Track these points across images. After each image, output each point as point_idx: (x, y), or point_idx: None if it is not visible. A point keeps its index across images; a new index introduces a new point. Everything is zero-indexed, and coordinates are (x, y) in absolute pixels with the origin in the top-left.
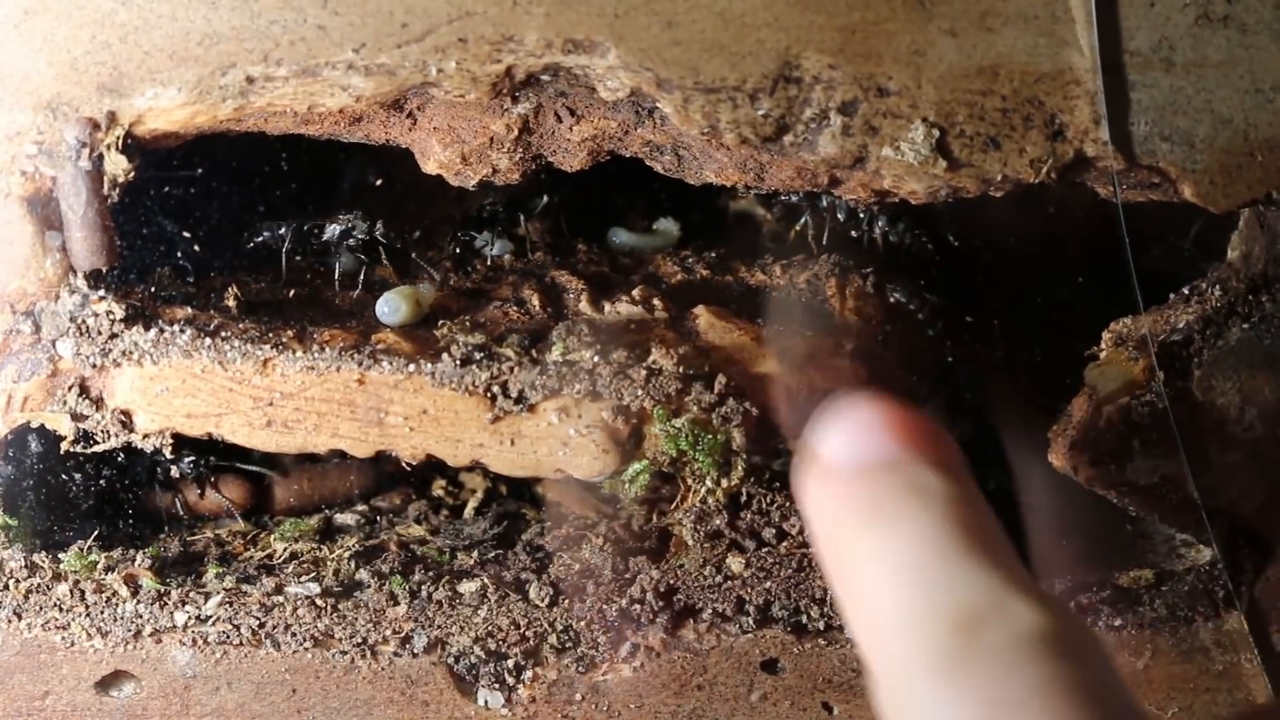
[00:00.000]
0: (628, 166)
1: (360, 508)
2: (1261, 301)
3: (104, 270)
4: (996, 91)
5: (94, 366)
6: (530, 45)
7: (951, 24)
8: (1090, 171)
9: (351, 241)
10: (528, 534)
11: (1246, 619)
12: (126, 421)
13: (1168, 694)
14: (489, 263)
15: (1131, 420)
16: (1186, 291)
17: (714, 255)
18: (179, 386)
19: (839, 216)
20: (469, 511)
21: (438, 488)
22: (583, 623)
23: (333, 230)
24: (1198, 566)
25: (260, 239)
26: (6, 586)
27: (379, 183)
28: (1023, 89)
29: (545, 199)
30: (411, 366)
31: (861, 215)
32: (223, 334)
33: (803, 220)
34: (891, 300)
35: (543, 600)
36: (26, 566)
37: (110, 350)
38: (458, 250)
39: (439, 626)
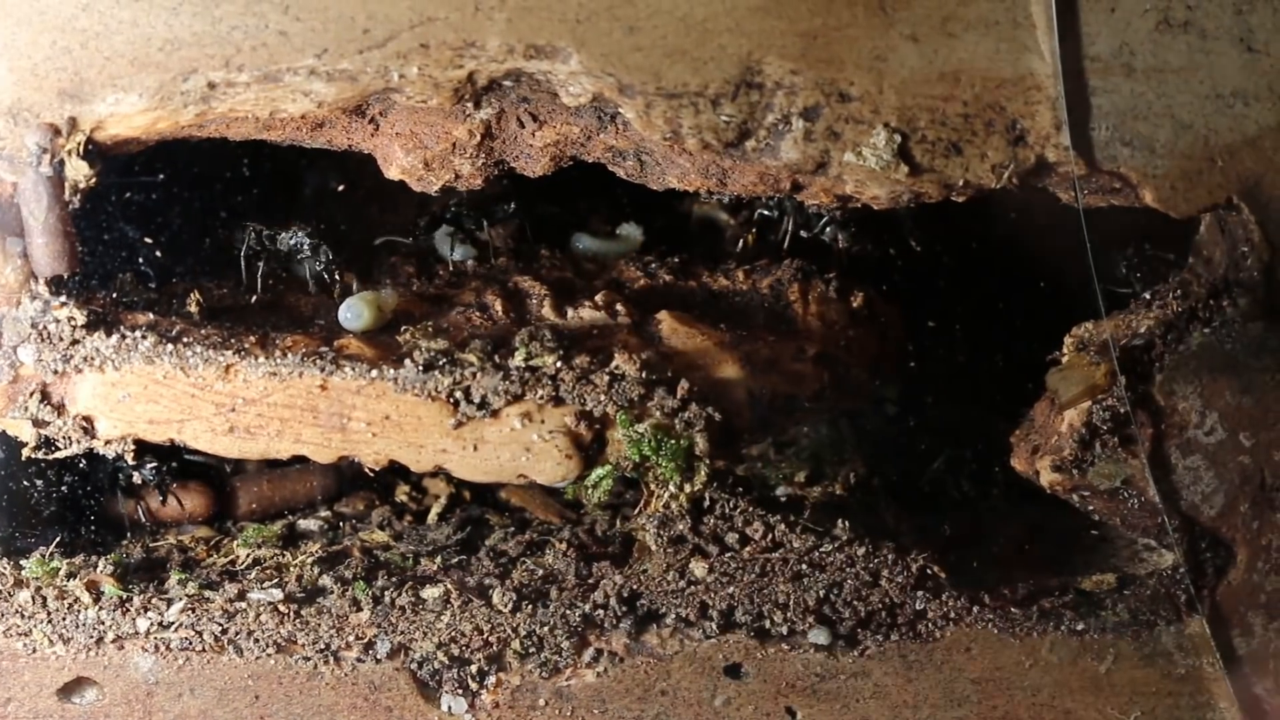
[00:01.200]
0: (591, 172)
1: (323, 513)
2: (1223, 306)
3: (65, 276)
4: (958, 97)
5: (55, 373)
6: (492, 51)
7: (913, 29)
8: (1052, 177)
9: (301, 255)
10: (491, 539)
11: (1208, 623)
12: (88, 428)
13: (1130, 698)
14: (452, 268)
15: (1093, 424)
16: (1148, 296)
17: (677, 260)
18: (141, 393)
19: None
20: (432, 517)
21: (401, 493)
22: (546, 628)
23: (285, 239)
24: (1159, 570)
25: (224, 245)
26: None
27: (341, 189)
28: (984, 94)
29: (510, 206)
30: (374, 372)
31: (824, 220)
32: (185, 340)
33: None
34: (854, 305)
35: (506, 606)
36: None
37: (72, 356)
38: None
39: (402, 632)
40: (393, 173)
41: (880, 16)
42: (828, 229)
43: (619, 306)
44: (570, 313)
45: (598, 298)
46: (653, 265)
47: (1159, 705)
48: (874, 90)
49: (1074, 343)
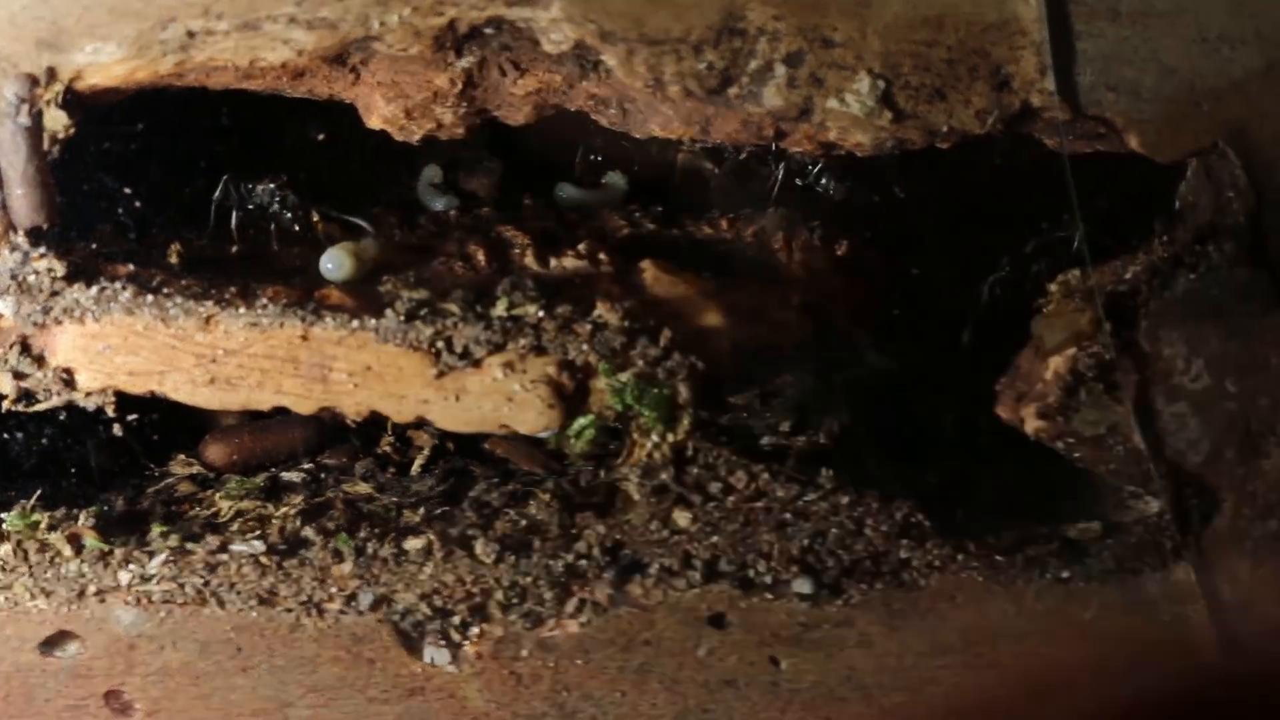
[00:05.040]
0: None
1: (307, 465)
2: (1208, 252)
3: (44, 227)
4: (942, 42)
5: (35, 324)
6: None
7: None
8: (1036, 122)
9: (274, 207)
10: (475, 491)
11: (1194, 570)
12: (68, 380)
13: (1114, 645)
14: (435, 218)
15: (1078, 371)
16: (1134, 242)
17: (661, 209)
18: (121, 344)
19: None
20: (416, 468)
21: (385, 445)
22: (529, 579)
23: (263, 191)
24: (1145, 518)
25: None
26: None
27: (321, 138)
28: (968, 40)
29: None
30: (355, 323)
31: (809, 168)
32: (165, 291)
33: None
34: (839, 253)
35: (489, 557)
36: None
37: (51, 308)
38: None
39: (384, 584)
40: (374, 122)
41: None
42: (821, 178)
43: (602, 255)
44: (553, 262)
45: (580, 247)
46: (636, 214)
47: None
48: (857, 36)
49: (1059, 289)
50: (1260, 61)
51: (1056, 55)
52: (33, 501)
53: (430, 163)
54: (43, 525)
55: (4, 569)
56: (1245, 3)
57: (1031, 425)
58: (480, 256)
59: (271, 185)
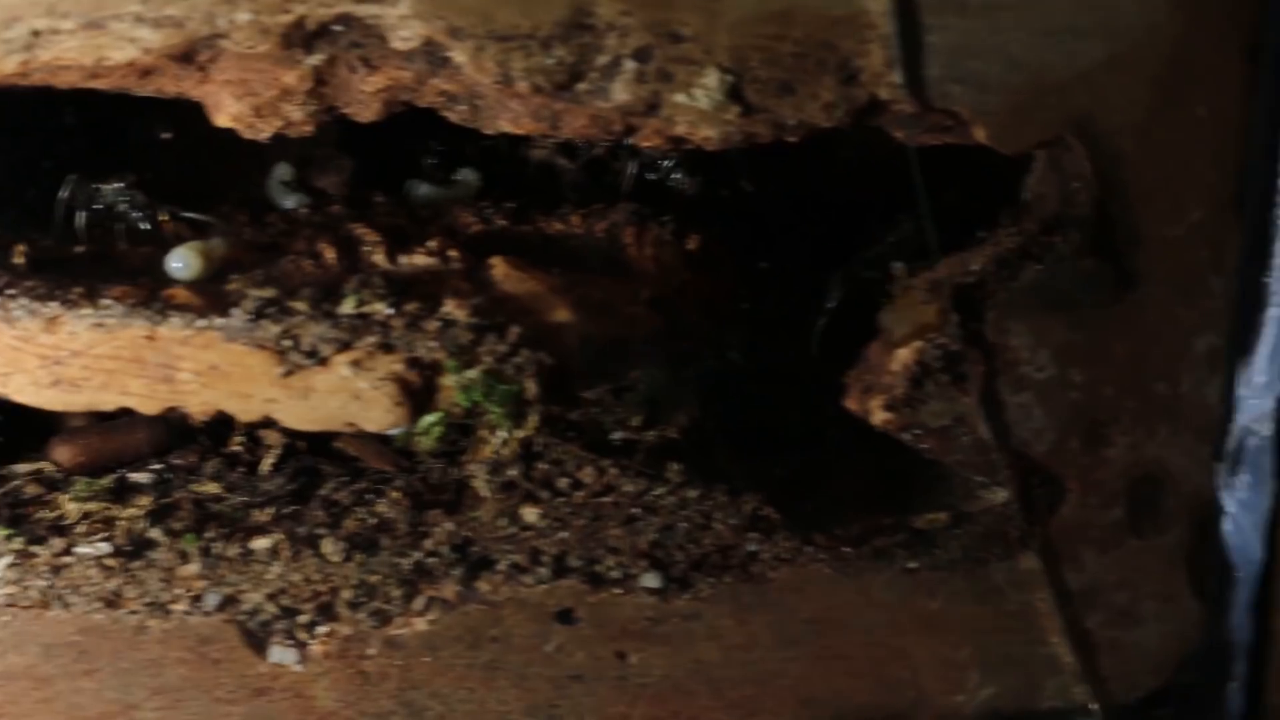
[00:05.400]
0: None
1: (156, 466)
2: (1054, 243)
3: None
4: (789, 36)
5: None
6: None
7: None
8: (885, 115)
9: (122, 207)
10: (325, 489)
11: (1040, 558)
12: None
13: (962, 635)
14: (285, 216)
15: (924, 363)
16: (981, 233)
17: (512, 205)
18: None
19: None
20: (265, 467)
21: (235, 443)
22: (377, 577)
23: (109, 190)
24: (992, 507)
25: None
26: None
27: (168, 137)
28: (816, 33)
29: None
30: (201, 321)
31: (661, 163)
32: (9, 292)
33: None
34: (689, 248)
35: (336, 555)
36: None
37: None
38: None
39: (231, 584)
40: (222, 120)
41: None
42: (673, 173)
43: (452, 252)
44: (402, 259)
45: (430, 244)
46: (488, 210)
47: (990, 641)
48: (705, 30)
49: (907, 281)
50: (1104, 53)
51: (904, 48)
52: None
53: (281, 160)
54: None
55: None
56: None
57: (879, 417)
58: (329, 254)
59: (119, 185)
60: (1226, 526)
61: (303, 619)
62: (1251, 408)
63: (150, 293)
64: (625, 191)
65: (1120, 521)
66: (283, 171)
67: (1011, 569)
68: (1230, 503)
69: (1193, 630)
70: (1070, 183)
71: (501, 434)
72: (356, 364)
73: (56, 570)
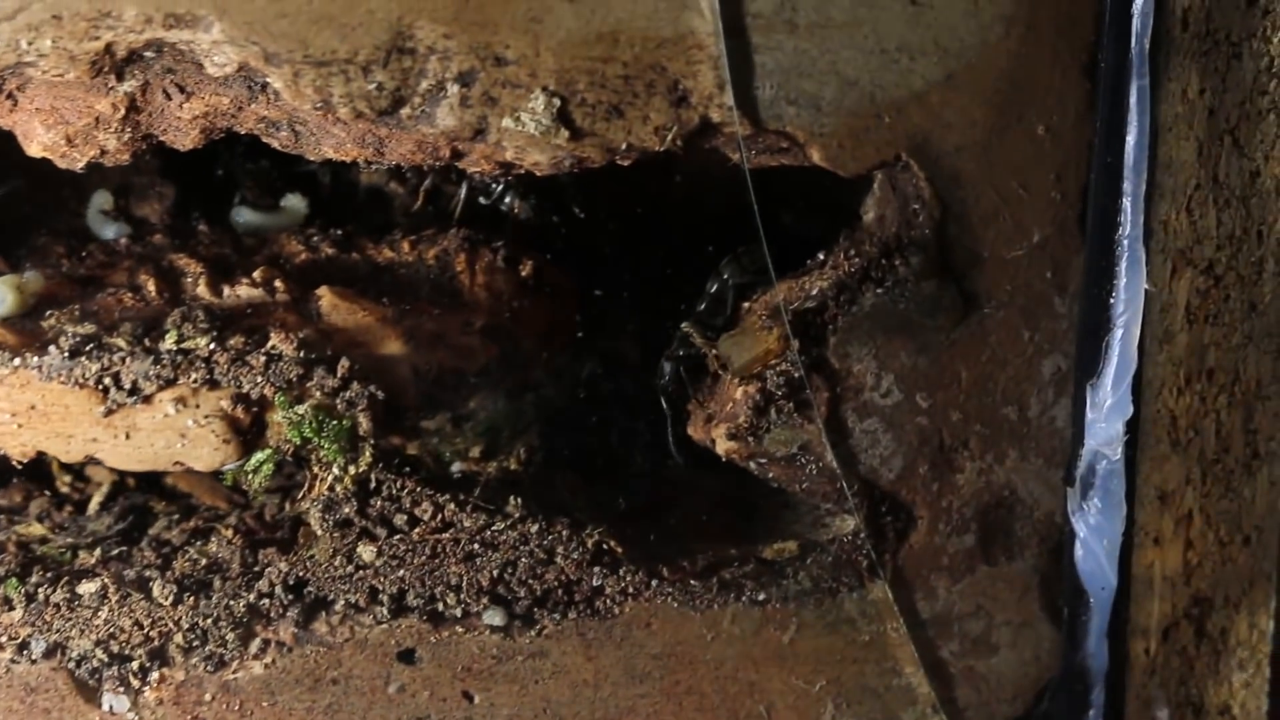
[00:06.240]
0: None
1: None
2: (895, 265)
3: None
4: (617, 58)
5: None
6: (129, 21)
7: None
8: (718, 137)
9: None
10: (154, 528)
11: (891, 587)
12: None
13: (815, 667)
14: (105, 247)
15: (767, 391)
16: (821, 257)
17: (340, 232)
18: None
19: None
20: (93, 506)
21: (62, 483)
22: (209, 620)
23: None
24: (841, 536)
25: None
26: None
27: None
28: (644, 55)
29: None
30: (17, 360)
31: (493, 187)
32: None
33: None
34: (523, 274)
35: (167, 598)
36: None
37: None
38: None
39: (58, 630)
40: (34, 150)
41: None
42: (504, 197)
43: (277, 283)
44: (226, 291)
45: (255, 274)
46: (315, 238)
47: (844, 673)
48: (530, 53)
49: (746, 307)
50: (940, 72)
51: (734, 69)
52: None
53: (100, 188)
54: None
55: None
56: (923, 13)
57: (723, 446)
58: (151, 287)
59: None
60: (1078, 552)
61: (134, 665)
62: (1100, 431)
63: None
64: (457, 217)
65: (972, 548)
66: (102, 200)
67: (863, 599)
68: (1082, 528)
69: (1049, 658)
70: (909, 204)
71: (335, 470)
72: (181, 401)
73: None
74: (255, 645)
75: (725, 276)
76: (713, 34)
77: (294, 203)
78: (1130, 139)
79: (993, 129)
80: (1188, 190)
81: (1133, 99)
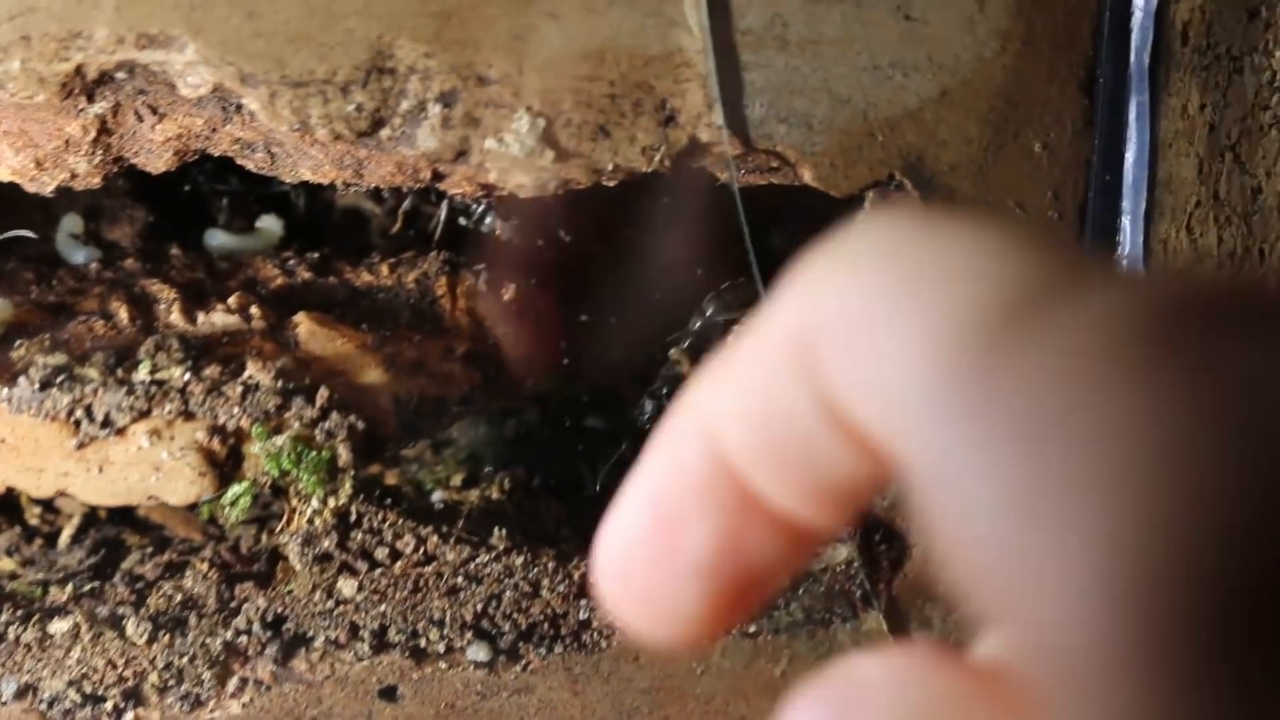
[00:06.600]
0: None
1: None
2: None
3: None
4: (604, 77)
5: None
6: (100, 41)
7: (553, 7)
8: (707, 157)
9: None
10: (128, 562)
11: (885, 618)
12: None
13: None
14: (76, 273)
15: None
16: None
17: (316, 255)
18: None
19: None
20: (64, 540)
21: (33, 515)
22: (185, 658)
23: None
24: (834, 566)
25: None
26: None
27: None
28: (631, 73)
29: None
30: None
31: (474, 208)
32: None
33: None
34: (505, 298)
35: (141, 637)
36: None
37: None
38: None
39: (29, 671)
40: (2, 173)
41: None
42: (487, 217)
43: (254, 309)
44: (201, 318)
45: (231, 300)
46: (290, 261)
47: None
48: (514, 73)
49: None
50: (934, 89)
51: (724, 88)
52: None
53: (70, 212)
54: None
55: None
56: (917, 29)
57: None
58: (123, 314)
59: None
60: None
61: (108, 705)
62: None
63: None
64: (437, 239)
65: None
66: (71, 224)
67: (856, 630)
68: None
69: None
70: None
71: (314, 503)
72: (155, 433)
73: None
74: (233, 684)
75: (709, 313)
76: (701, 51)
77: (269, 225)
78: (1129, 156)
79: (988, 146)
80: (1188, 208)
81: (1132, 115)
